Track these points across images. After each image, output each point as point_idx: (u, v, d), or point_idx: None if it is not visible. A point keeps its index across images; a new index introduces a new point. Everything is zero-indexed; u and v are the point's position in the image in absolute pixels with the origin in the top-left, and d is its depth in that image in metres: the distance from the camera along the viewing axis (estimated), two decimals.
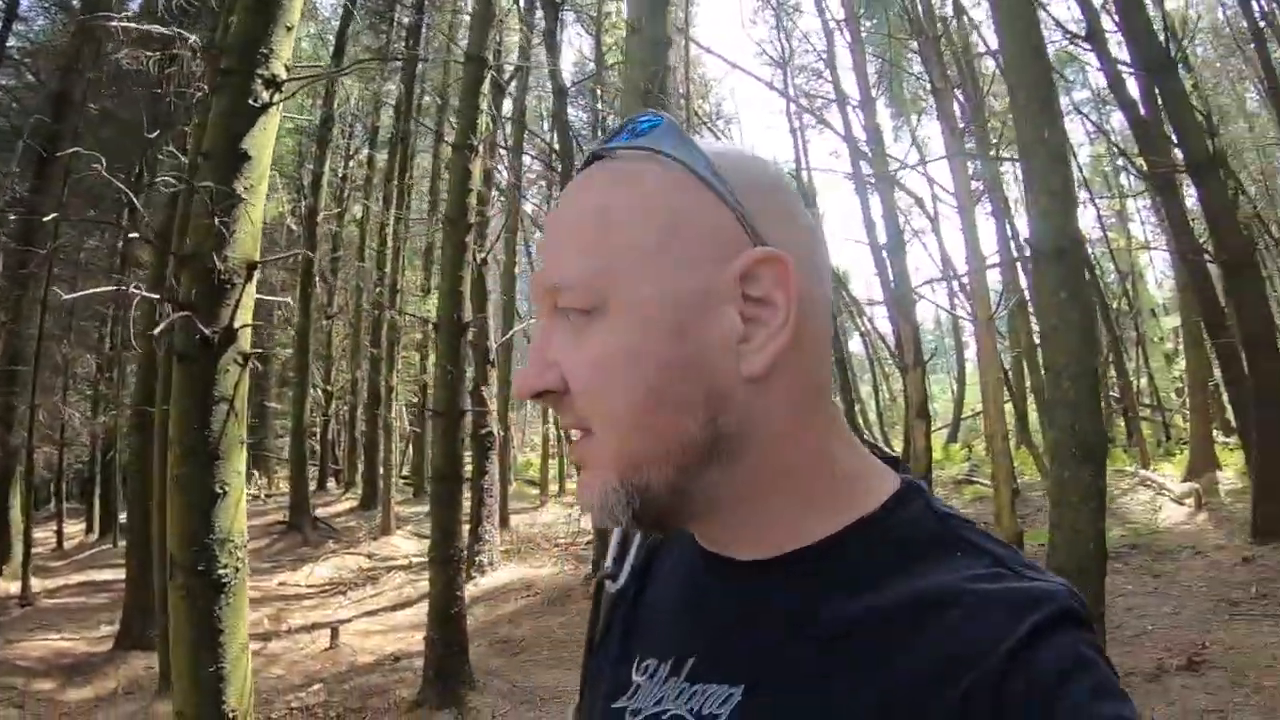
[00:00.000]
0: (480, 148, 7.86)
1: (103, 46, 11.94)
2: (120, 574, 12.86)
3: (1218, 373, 16.19)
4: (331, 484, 22.04)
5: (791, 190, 0.70)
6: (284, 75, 4.23)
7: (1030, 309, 19.33)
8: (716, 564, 0.71)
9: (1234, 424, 16.65)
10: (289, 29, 4.29)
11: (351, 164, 19.45)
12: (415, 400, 19.87)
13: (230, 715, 3.81)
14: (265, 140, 4.17)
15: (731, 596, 0.70)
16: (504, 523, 14.36)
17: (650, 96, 5.47)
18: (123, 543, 15.50)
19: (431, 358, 19.95)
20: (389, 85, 18.33)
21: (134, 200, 6.52)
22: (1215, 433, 15.69)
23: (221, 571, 3.80)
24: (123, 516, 17.39)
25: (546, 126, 19.35)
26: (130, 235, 12.80)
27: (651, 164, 0.66)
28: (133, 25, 6.13)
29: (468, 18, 20.45)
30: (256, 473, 20.87)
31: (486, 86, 7.81)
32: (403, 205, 18.03)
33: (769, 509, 0.67)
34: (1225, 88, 22.40)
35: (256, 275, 4.15)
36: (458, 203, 7.65)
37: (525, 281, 23.00)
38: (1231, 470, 14.09)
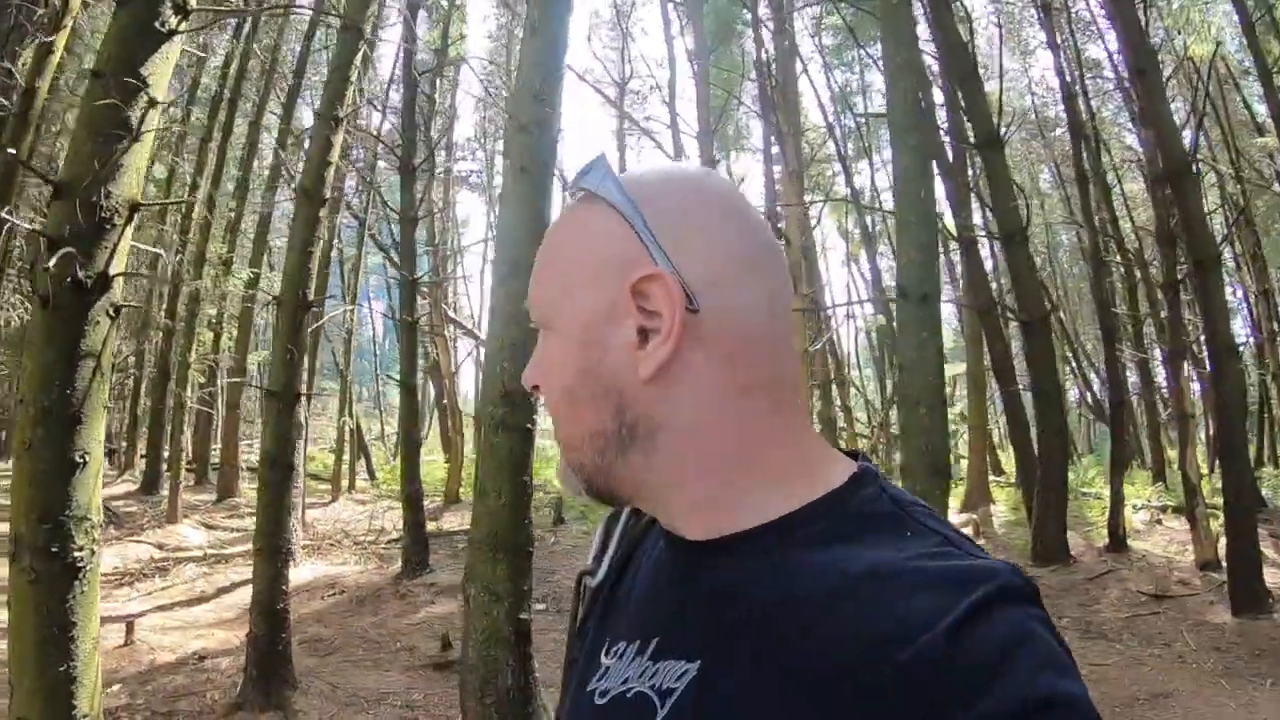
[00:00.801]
0: (345, 121, 7.42)
1: None
2: None
3: (991, 416, 17.70)
4: (106, 464, 20.03)
5: (719, 204, 0.75)
6: (194, 3, 3.77)
7: (829, 347, 20.56)
8: (675, 544, 0.76)
9: (1003, 464, 18.27)
10: None
11: (162, 118, 17.80)
12: (204, 381, 18.44)
13: None
14: (164, 70, 3.69)
15: (686, 575, 0.74)
16: (301, 518, 13.57)
17: (541, 99, 5.38)
18: None
19: (226, 335, 18.82)
20: (217, 39, 17.02)
21: None
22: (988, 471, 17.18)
23: (78, 554, 3.27)
24: None
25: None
26: None
27: (585, 200, 0.76)
28: None
29: None
30: None
31: (359, 60, 7.36)
32: (221, 172, 16.80)
33: (699, 493, 0.73)
34: (1024, 168, 24.88)
35: (135, 219, 3.65)
36: (316, 174, 7.16)
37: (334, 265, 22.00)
38: (1003, 504, 15.39)
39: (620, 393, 0.72)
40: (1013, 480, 16.79)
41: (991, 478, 17.84)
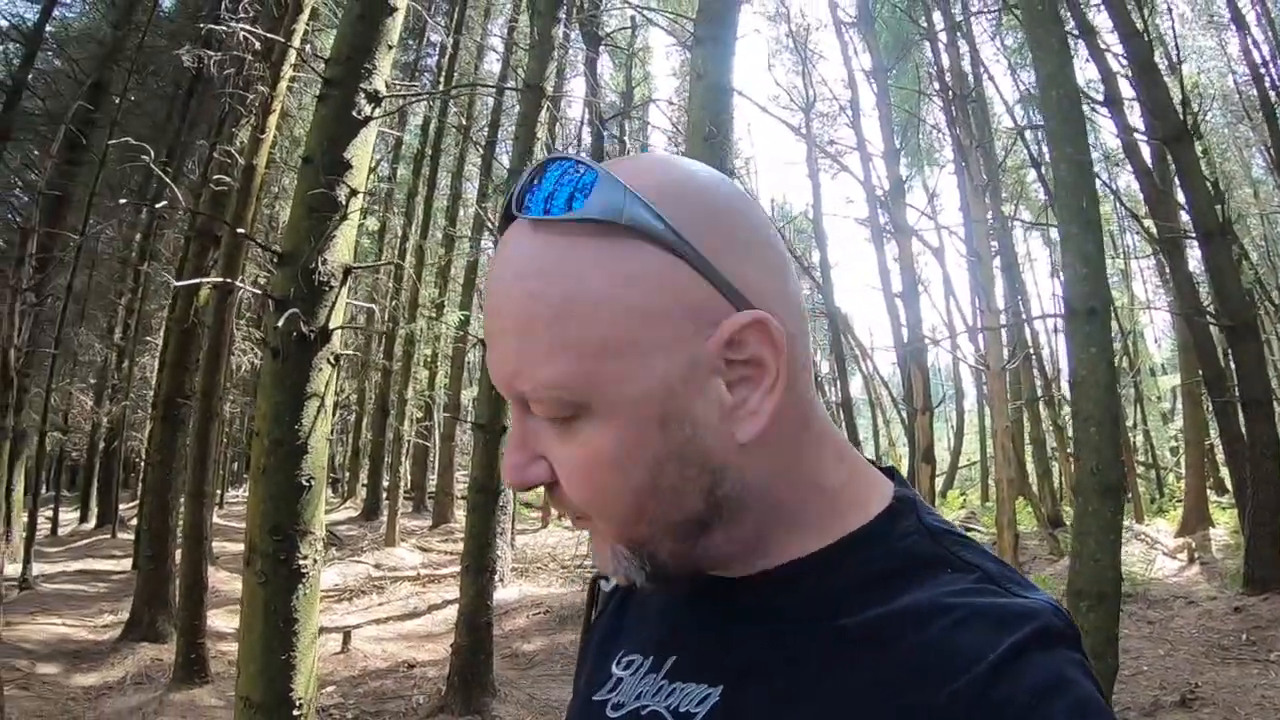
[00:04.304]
0: None
1: (143, 39, 12.17)
2: (119, 564, 12.94)
3: (1214, 431, 16.57)
4: (328, 492, 21.97)
5: (747, 208, 0.66)
6: (384, 91, 4.40)
7: (1034, 363, 19.70)
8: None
9: (1227, 483, 17.04)
10: (390, 47, 4.47)
11: (370, 177, 19.51)
12: (420, 416, 19.93)
13: (297, 703, 3.90)
14: (365, 151, 4.35)
15: (714, 601, 0.69)
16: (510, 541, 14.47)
17: (714, 141, 5.64)
18: (122, 534, 15.55)
19: (441, 373, 20.27)
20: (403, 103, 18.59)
21: (178, 193, 6.62)
22: (1209, 491, 16.02)
23: (302, 561, 3.92)
24: (122, 507, 17.45)
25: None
26: (159, 228, 12.90)
27: (592, 241, 0.60)
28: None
29: (495, 40, 21.00)
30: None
31: (544, 115, 8.01)
32: (429, 223, 18.12)
33: (764, 539, 0.67)
34: (1233, 154, 22.89)
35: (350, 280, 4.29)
36: None
37: None
38: (1224, 527, 14.39)
39: (716, 469, 0.62)
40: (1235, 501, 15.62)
41: (1215, 498, 16.68)
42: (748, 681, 0.64)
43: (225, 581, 11.16)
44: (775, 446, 0.64)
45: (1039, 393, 19.54)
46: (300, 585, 3.92)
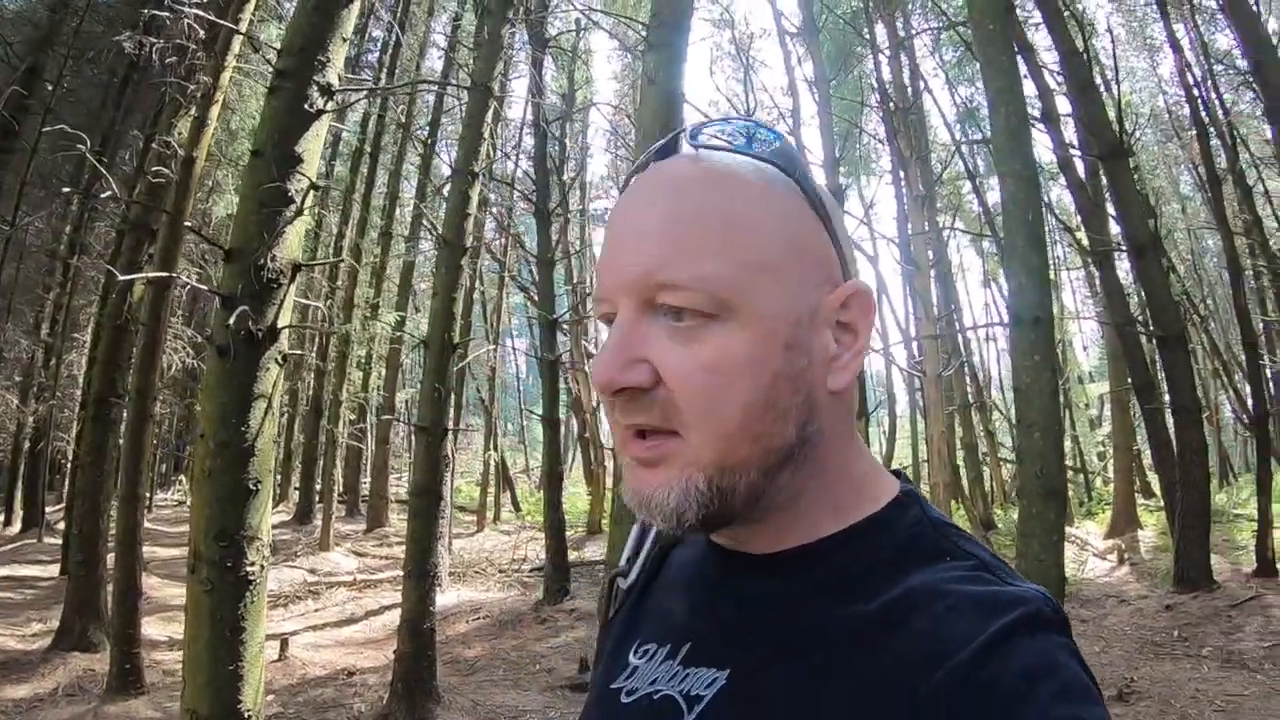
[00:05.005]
0: (480, 173, 7.99)
1: (81, 24, 11.81)
2: (46, 570, 12.48)
3: (1141, 437, 17.03)
4: None
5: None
6: (338, 84, 4.30)
7: (966, 371, 20.11)
8: (724, 557, 0.75)
9: (1154, 487, 17.55)
10: (344, 40, 4.37)
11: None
12: (354, 418, 19.61)
13: (245, 714, 3.78)
14: (316, 145, 4.25)
15: (731, 587, 0.73)
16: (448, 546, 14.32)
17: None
18: (48, 538, 14.99)
19: (375, 375, 19.98)
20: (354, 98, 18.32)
21: (113, 184, 6.38)
22: (1136, 494, 16.52)
23: (249, 568, 3.80)
24: (49, 510, 16.82)
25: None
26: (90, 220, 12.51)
27: (765, 177, 0.70)
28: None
29: (438, 37, 20.82)
30: (184, 479, 20.37)
31: (490, 115, 7.94)
32: (366, 222, 17.90)
33: (801, 508, 0.71)
34: (1162, 171, 23.60)
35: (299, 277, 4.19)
36: (455, 225, 7.77)
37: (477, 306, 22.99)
38: (1151, 529, 14.84)
39: (813, 404, 0.69)
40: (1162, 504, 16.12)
41: (1142, 501, 17.21)
42: (754, 664, 0.67)
43: (156, 588, 10.85)
44: (842, 409, 0.72)
45: (971, 399, 19.92)
46: (247, 592, 3.80)
